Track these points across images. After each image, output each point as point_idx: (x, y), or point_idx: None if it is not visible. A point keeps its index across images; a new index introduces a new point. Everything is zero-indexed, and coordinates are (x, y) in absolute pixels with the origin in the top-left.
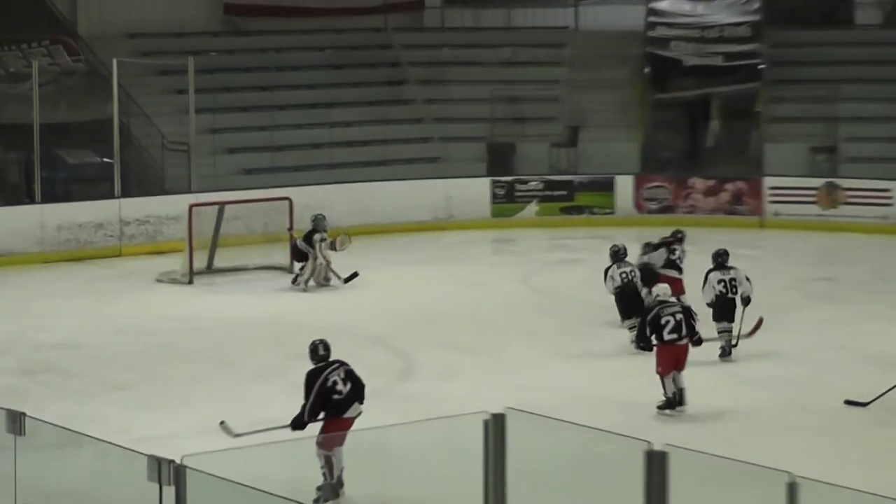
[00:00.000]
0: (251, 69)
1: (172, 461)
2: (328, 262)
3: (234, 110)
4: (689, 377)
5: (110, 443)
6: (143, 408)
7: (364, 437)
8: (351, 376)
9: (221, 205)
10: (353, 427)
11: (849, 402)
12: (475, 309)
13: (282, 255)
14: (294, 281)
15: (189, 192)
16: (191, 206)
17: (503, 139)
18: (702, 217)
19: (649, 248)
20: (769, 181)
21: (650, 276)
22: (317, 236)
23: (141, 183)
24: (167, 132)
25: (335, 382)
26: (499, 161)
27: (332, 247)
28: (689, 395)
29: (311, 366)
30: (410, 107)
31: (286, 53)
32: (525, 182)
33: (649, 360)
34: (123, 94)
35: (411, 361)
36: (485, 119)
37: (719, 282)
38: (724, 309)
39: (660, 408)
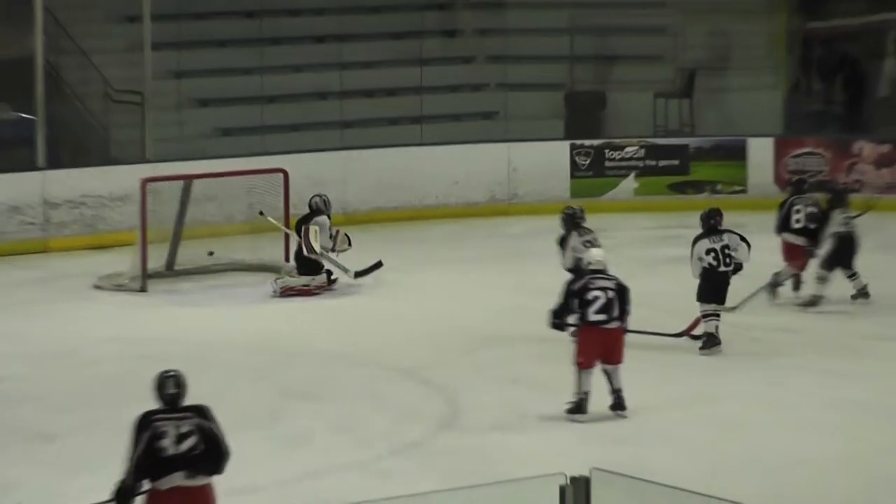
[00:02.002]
0: None
1: None
2: (323, 255)
3: (208, 45)
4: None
5: None
6: (74, 469)
7: None
8: (204, 435)
9: (188, 180)
10: (370, 496)
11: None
12: (546, 328)
13: (273, 250)
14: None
15: (143, 161)
16: (144, 182)
17: (588, 87)
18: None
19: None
20: None
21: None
22: (320, 220)
23: (75, 149)
24: (112, 77)
25: (163, 434)
26: (582, 118)
27: (332, 241)
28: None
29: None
30: (457, 41)
31: None
32: (619, 148)
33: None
34: (51, 21)
35: (457, 403)
36: (562, 58)
37: (708, 251)
38: (711, 286)
39: (568, 412)
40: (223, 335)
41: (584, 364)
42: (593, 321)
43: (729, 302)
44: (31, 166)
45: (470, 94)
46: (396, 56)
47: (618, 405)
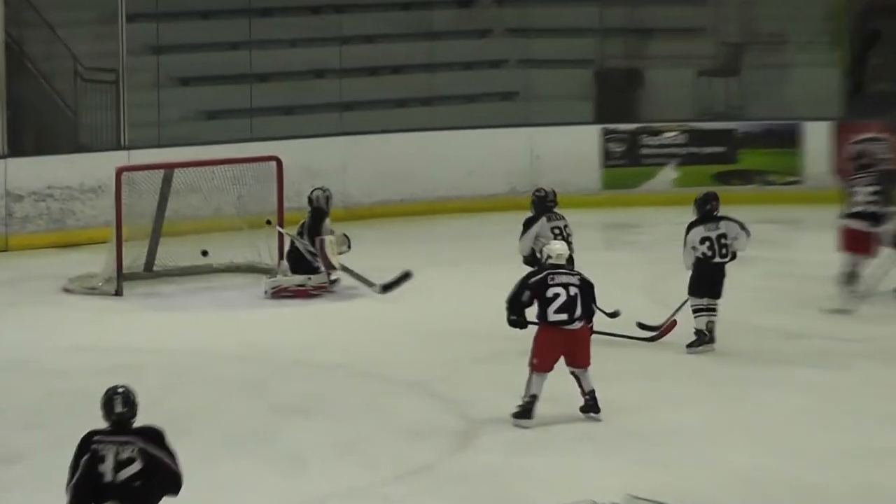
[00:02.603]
0: None
1: None
2: (345, 269)
3: (190, 17)
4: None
5: None
6: (39, 493)
7: None
8: (149, 464)
9: (169, 169)
10: None
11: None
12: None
13: (264, 249)
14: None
15: (117, 148)
16: (120, 171)
17: (620, 63)
18: None
19: None
20: None
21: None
22: (326, 227)
23: (40, 134)
24: (82, 53)
25: (102, 459)
26: (614, 99)
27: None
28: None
29: None
30: (472, 11)
31: None
32: (657, 133)
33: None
34: None
35: (471, 419)
36: (590, 31)
37: (703, 240)
38: (705, 278)
39: (514, 416)
40: (209, 344)
41: (538, 366)
42: (554, 321)
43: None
44: None
45: (487, 72)
46: (403, 29)
47: (590, 407)
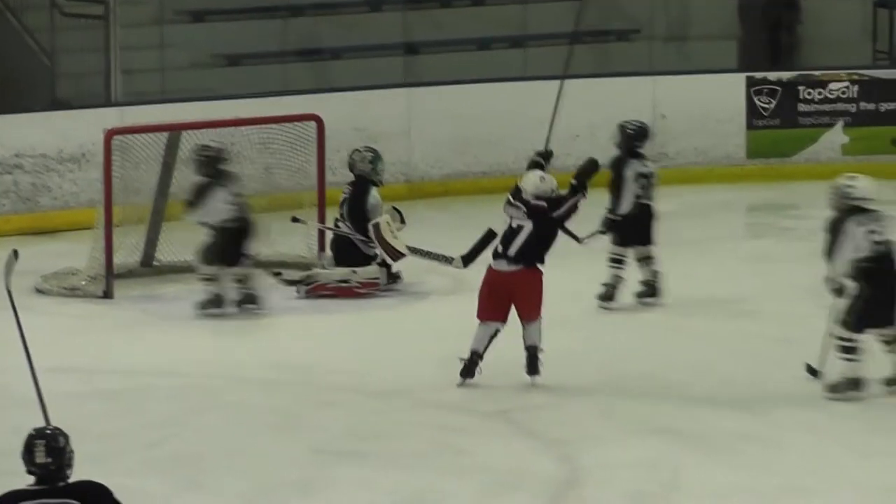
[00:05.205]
0: None
1: None
2: (414, 251)
3: None
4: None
5: None
6: None
7: None
8: None
9: (174, 131)
10: None
11: None
12: (705, 354)
13: (301, 236)
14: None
15: (107, 104)
16: (109, 134)
17: None
18: None
19: None
20: None
21: None
22: (374, 202)
23: (7, 86)
24: None
25: None
26: (764, 38)
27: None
28: None
29: None
30: None
31: None
32: (821, 84)
33: None
34: None
35: (575, 462)
36: None
37: (639, 177)
38: (634, 223)
39: (462, 374)
40: (227, 364)
41: (477, 314)
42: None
43: None
44: None
45: (594, 3)
46: None
47: (530, 367)
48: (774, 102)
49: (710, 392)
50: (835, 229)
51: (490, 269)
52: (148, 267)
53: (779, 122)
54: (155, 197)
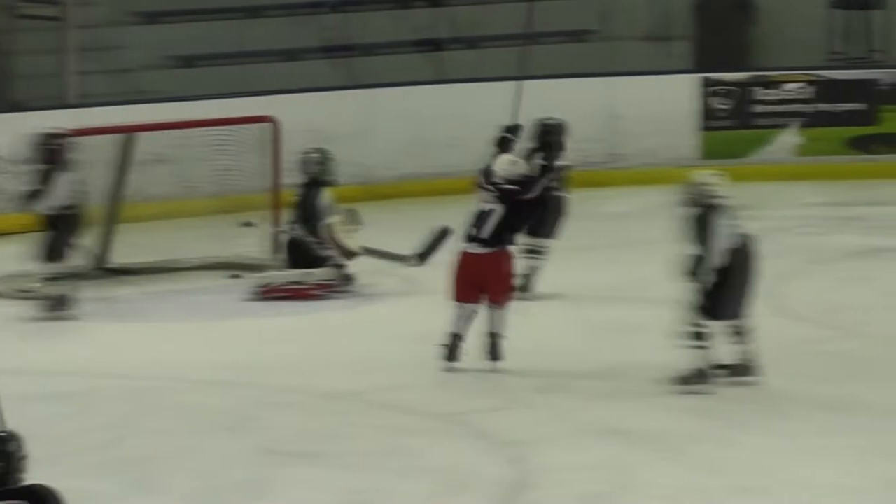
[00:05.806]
0: None
1: None
2: (369, 252)
3: None
4: None
5: None
6: None
7: None
8: None
9: (129, 132)
10: None
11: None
12: (657, 355)
13: (254, 237)
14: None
15: (61, 105)
16: (64, 136)
17: None
18: None
19: None
20: None
21: None
22: (325, 203)
23: None
24: None
25: None
26: (718, 39)
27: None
28: None
29: None
30: None
31: None
32: (774, 84)
33: None
34: None
35: (527, 464)
36: None
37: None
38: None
39: (444, 359)
40: (180, 366)
41: (455, 297)
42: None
43: None
44: None
45: (552, 4)
46: None
47: (490, 352)
48: (729, 104)
49: (661, 392)
50: (699, 225)
51: (464, 253)
52: (102, 269)
53: (733, 123)
54: (109, 199)
